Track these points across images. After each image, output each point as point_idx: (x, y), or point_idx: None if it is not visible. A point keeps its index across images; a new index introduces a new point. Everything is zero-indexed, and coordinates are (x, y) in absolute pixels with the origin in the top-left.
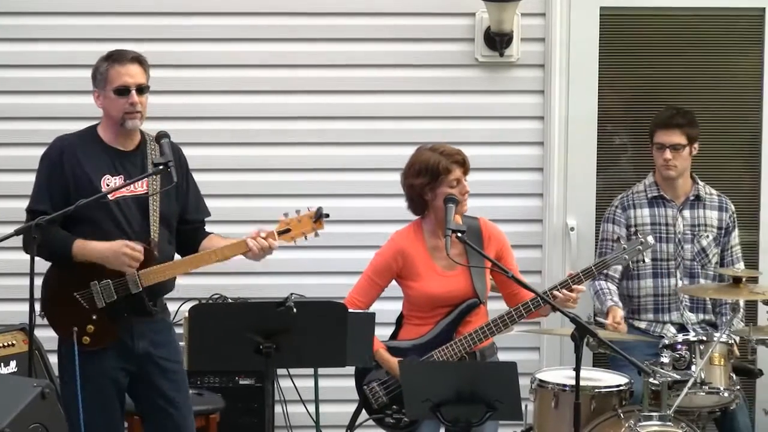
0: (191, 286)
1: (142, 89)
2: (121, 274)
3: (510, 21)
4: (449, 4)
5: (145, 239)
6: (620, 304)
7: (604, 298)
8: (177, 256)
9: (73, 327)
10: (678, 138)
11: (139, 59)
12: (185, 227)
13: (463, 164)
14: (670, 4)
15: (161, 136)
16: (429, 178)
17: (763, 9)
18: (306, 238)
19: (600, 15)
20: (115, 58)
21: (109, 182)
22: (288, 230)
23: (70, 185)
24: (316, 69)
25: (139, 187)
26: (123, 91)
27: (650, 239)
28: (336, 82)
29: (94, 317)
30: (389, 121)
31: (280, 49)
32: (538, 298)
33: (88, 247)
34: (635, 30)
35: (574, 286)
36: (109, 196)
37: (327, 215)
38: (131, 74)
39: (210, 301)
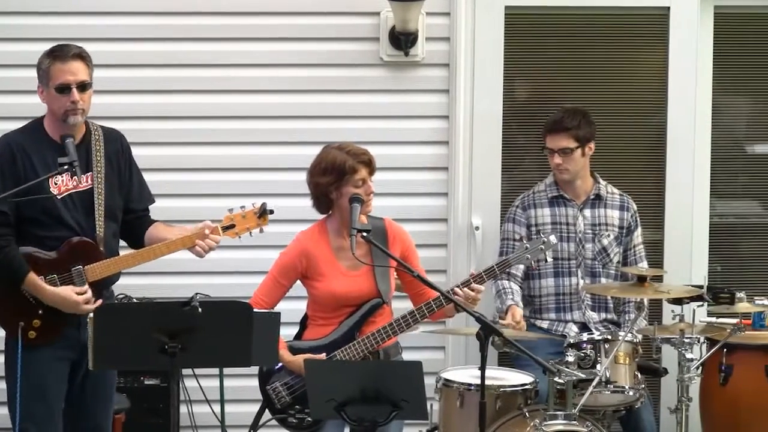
0: None
1: (84, 86)
2: (67, 268)
3: (415, 20)
4: (354, 3)
5: (90, 235)
6: (520, 303)
7: (504, 297)
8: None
9: (20, 322)
10: (566, 142)
11: (81, 55)
12: (129, 216)
13: (369, 164)
14: (575, 4)
15: (65, 137)
16: (335, 177)
17: (668, 8)
18: (251, 234)
19: (505, 15)
20: (57, 54)
21: (57, 180)
22: (232, 226)
23: (22, 183)
24: (220, 69)
25: (84, 182)
26: (64, 88)
27: (552, 239)
28: (240, 82)
29: (40, 312)
30: (294, 120)
31: (183, 48)
32: (441, 297)
33: (39, 288)
34: (540, 30)
35: (475, 286)
36: (55, 193)
37: (271, 211)
38: (73, 71)
39: (115, 301)
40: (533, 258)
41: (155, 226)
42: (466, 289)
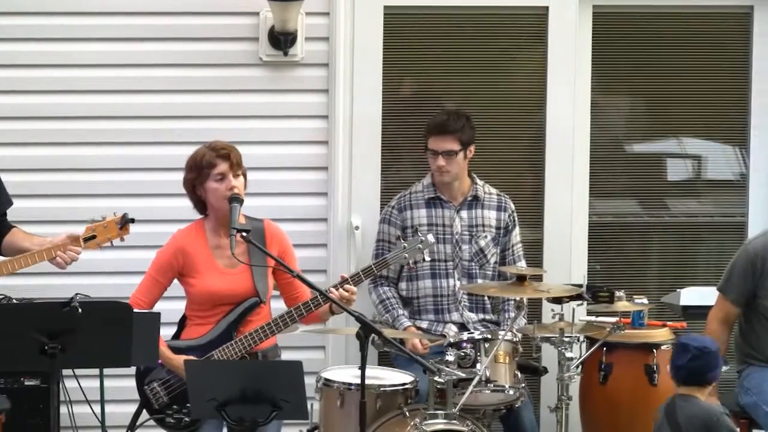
0: None
1: None
2: None
3: (294, 20)
4: (233, 3)
5: None
6: (408, 320)
7: (395, 312)
8: None
9: None
10: (451, 144)
11: None
12: None
13: (229, 158)
14: (454, 4)
15: None
16: (196, 173)
17: (546, 8)
18: (111, 244)
19: (384, 15)
20: None
21: None
22: (93, 237)
23: None
24: (94, 69)
25: None
26: None
27: (430, 237)
28: (117, 82)
29: None
30: (173, 120)
31: (62, 48)
32: (320, 296)
33: None
34: (419, 30)
35: (348, 287)
36: None
37: (132, 220)
38: None
39: None
40: (411, 257)
41: (13, 233)
42: (341, 289)
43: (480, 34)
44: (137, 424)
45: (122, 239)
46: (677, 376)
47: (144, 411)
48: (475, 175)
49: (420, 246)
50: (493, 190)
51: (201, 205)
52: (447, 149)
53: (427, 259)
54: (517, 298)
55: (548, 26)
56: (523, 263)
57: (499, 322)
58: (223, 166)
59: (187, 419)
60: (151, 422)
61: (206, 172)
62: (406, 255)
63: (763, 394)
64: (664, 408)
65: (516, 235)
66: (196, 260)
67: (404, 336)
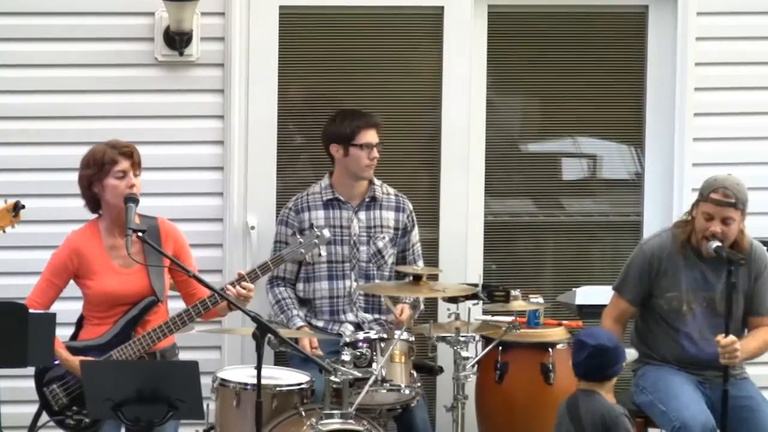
0: None
1: None
2: None
3: (189, 20)
4: (128, 3)
5: None
6: (303, 320)
7: (289, 313)
8: None
9: None
10: (378, 137)
11: None
12: None
13: (131, 156)
14: (349, 3)
15: None
16: (95, 169)
17: (442, 8)
18: (4, 231)
19: (279, 14)
20: None
21: None
22: None
23: None
24: None
25: None
26: None
27: (326, 233)
28: (11, 82)
29: None
30: (68, 120)
31: None
32: (215, 294)
33: None
34: (315, 29)
35: (245, 284)
36: None
37: (23, 206)
38: None
39: None
40: (307, 252)
41: None
42: (237, 287)
43: (376, 34)
44: (38, 425)
45: (13, 226)
46: (577, 373)
47: (44, 412)
48: (372, 176)
49: (316, 241)
50: (391, 191)
51: (94, 203)
52: (378, 141)
53: (324, 254)
54: (413, 298)
55: (443, 26)
56: (421, 263)
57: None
58: (125, 164)
59: (87, 420)
60: (52, 423)
61: (107, 168)
62: (302, 250)
63: (659, 392)
64: (566, 402)
65: (415, 235)
66: (91, 261)
67: (297, 335)
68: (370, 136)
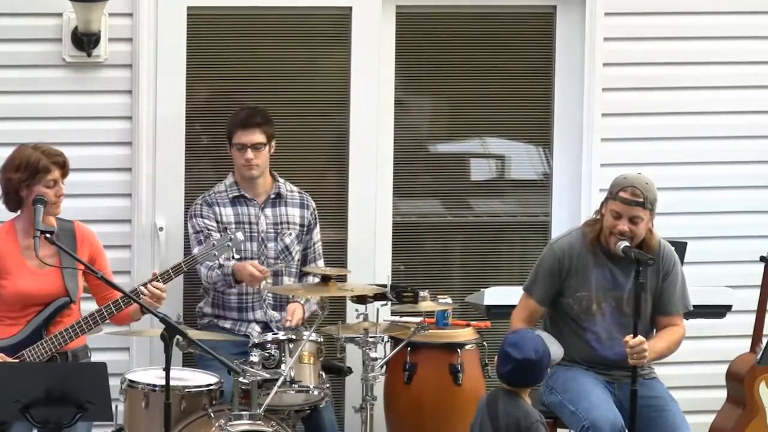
0: None
1: None
2: None
3: (97, 21)
4: (35, 4)
5: None
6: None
7: (225, 269)
8: None
9: None
10: (258, 137)
11: None
12: None
13: (63, 167)
14: (257, 4)
15: None
16: (27, 175)
17: (350, 8)
18: None
19: (187, 15)
20: None
21: None
22: None
23: None
24: None
25: None
26: None
27: (239, 235)
28: None
29: None
30: None
31: None
32: (126, 296)
33: None
34: (223, 30)
35: (157, 284)
36: None
37: None
38: None
39: None
40: (220, 255)
41: None
42: (150, 287)
43: (284, 34)
44: None
45: None
46: (500, 379)
47: None
48: (275, 173)
49: (229, 244)
50: (294, 188)
51: (15, 204)
52: (255, 142)
53: (236, 257)
54: (320, 298)
55: (352, 26)
56: (321, 262)
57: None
58: (56, 173)
59: None
60: None
61: (40, 176)
62: (216, 253)
63: (568, 393)
64: (486, 398)
65: (317, 233)
66: (6, 261)
67: (239, 268)
68: (243, 137)
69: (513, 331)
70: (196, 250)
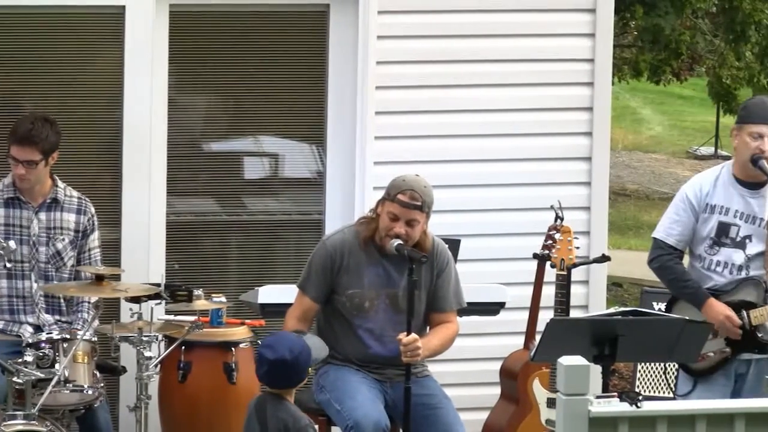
0: None
1: None
2: None
3: None
4: None
5: None
6: None
7: None
8: None
9: None
10: (32, 155)
11: None
12: None
13: None
14: (36, 3)
15: None
16: None
17: (123, 7)
18: None
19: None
20: None
21: None
22: None
23: None
24: None
25: None
26: None
27: (12, 244)
28: None
29: None
30: None
31: None
32: None
33: None
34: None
35: None
36: None
37: None
38: None
39: None
40: None
41: None
42: None
43: (56, 33)
44: None
45: None
46: (260, 382)
47: None
48: (57, 177)
49: (1, 252)
50: (75, 193)
51: None
52: (28, 159)
53: (8, 266)
54: (95, 298)
55: (125, 26)
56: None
57: (72, 322)
58: None
59: None
60: None
61: None
62: None
63: (336, 391)
64: (254, 402)
65: (95, 239)
66: None
67: None
68: (18, 153)
69: (273, 333)
70: None
